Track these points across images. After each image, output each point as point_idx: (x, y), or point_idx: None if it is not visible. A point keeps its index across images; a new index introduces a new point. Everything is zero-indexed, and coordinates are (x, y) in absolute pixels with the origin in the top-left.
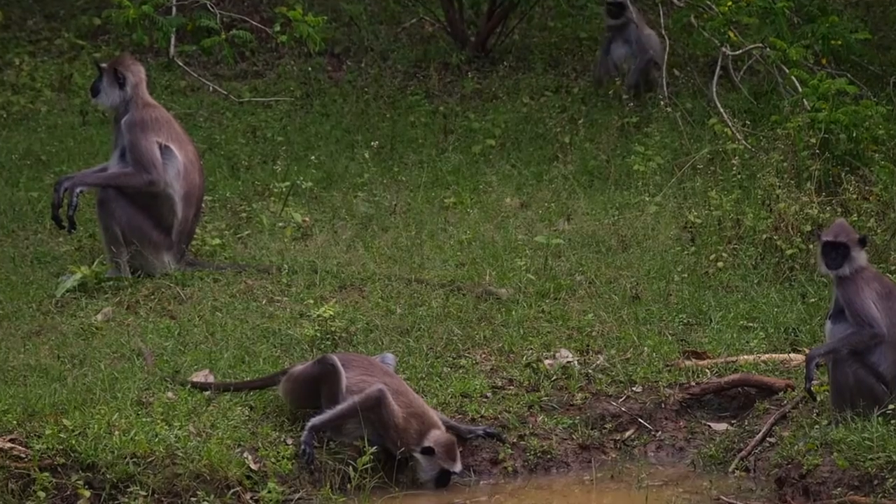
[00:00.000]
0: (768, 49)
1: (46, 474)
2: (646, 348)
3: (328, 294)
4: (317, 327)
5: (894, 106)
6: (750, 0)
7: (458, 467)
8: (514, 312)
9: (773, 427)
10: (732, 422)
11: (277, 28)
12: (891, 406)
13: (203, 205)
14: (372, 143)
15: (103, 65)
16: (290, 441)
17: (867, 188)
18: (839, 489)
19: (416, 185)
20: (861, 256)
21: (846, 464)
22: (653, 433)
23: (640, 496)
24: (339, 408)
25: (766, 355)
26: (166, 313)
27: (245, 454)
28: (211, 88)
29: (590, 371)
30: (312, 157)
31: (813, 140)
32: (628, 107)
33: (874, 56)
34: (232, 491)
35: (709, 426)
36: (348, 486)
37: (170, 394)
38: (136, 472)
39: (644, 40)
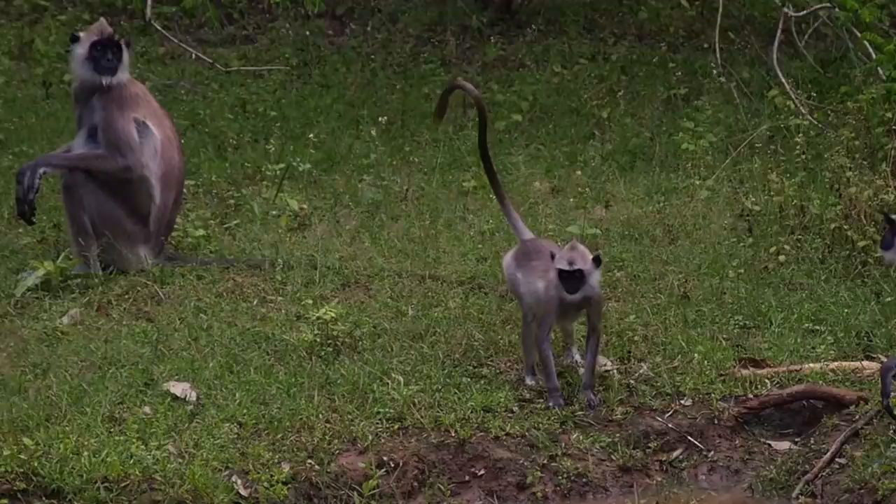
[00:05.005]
0: (837, 10)
1: (5, 501)
2: (696, 355)
3: (329, 293)
4: (316, 331)
5: None
6: None
7: None
8: None
9: (844, 446)
10: (796, 440)
11: None
12: None
13: (184, 190)
14: (380, 119)
15: (119, 38)
16: (285, 465)
17: None
18: None
19: (431, 166)
20: None
21: None
22: (704, 453)
23: None
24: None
25: (835, 363)
26: (142, 315)
27: (233, 478)
28: (194, 56)
29: (631, 381)
30: (311, 135)
31: (889, 115)
32: (676, 76)
33: None
34: None
35: (769, 445)
36: None
37: (146, 408)
38: (108, 498)
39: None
